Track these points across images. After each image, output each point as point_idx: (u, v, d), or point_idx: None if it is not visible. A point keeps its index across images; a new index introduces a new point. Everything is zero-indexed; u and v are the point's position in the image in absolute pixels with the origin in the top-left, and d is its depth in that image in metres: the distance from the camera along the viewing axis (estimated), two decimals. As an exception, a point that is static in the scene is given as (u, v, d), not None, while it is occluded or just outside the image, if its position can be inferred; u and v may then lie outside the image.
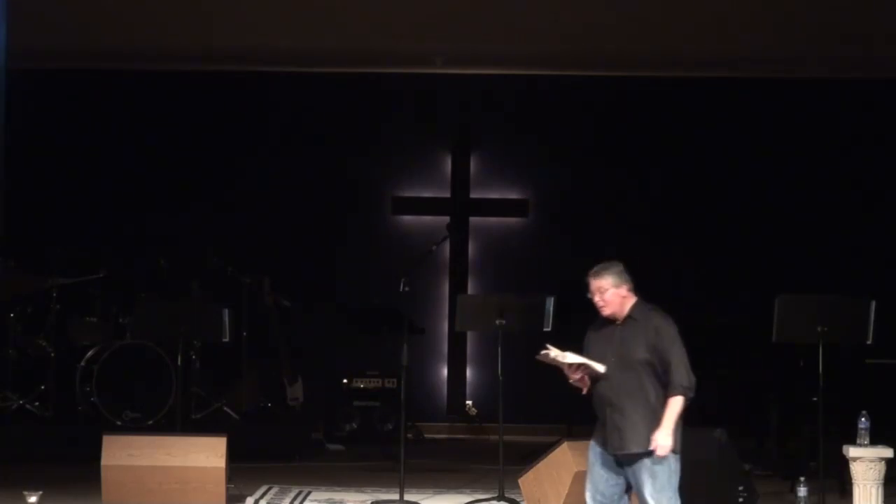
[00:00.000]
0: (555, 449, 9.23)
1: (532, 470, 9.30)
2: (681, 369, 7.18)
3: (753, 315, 10.38)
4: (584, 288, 7.29)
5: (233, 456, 9.40)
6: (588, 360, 7.16)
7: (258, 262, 12.97)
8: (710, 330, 11.17)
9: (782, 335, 9.40)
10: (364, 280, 13.58)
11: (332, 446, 12.68)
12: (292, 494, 9.80)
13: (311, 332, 13.36)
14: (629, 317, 7.26)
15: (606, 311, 7.26)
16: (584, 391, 7.26)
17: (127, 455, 9.27)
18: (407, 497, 9.43)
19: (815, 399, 9.45)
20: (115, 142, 13.84)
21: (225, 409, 12.25)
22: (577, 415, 12.66)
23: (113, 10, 12.65)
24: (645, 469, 7.13)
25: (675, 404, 7.13)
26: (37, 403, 12.08)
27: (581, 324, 12.75)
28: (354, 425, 12.99)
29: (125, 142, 13.85)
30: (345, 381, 13.09)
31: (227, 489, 9.34)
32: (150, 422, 11.75)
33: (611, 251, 13.53)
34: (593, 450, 7.29)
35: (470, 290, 13.73)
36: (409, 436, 12.08)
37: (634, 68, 13.68)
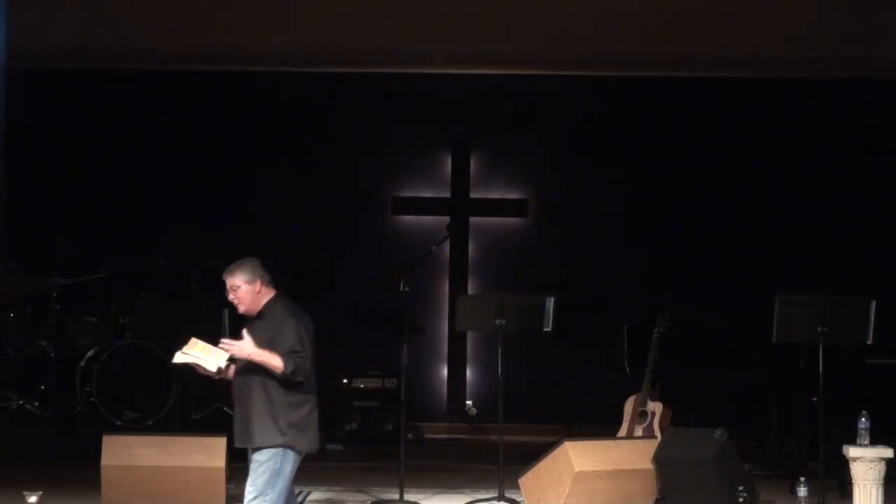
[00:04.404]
0: (555, 449, 9.24)
1: (532, 470, 9.31)
2: (296, 353, 7.26)
3: (753, 315, 10.38)
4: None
5: (233, 456, 9.38)
6: (197, 360, 7.29)
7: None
8: (710, 330, 11.18)
9: (782, 335, 9.41)
10: (364, 280, 13.57)
11: (332, 446, 12.68)
12: (292, 494, 9.80)
13: (310, 331, 13.34)
14: (261, 312, 7.44)
15: (241, 309, 7.48)
16: (218, 378, 7.50)
17: (127, 455, 9.26)
18: (407, 497, 9.44)
19: (815, 399, 9.47)
20: (115, 142, 13.83)
21: (225, 409, 12.23)
22: (577, 415, 12.79)
23: (113, 10, 12.66)
24: (253, 459, 7.35)
25: (277, 358, 7.22)
26: (37, 403, 12.09)
27: (581, 324, 12.80)
28: (354, 425, 12.99)
29: (125, 142, 13.84)
30: (345, 381, 13.09)
31: (227, 489, 9.33)
32: (150, 422, 11.76)
33: (611, 251, 13.74)
34: None
35: (470, 290, 13.73)
36: (410, 436, 12.08)
37: (634, 68, 13.68)
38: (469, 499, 9.58)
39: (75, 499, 9.41)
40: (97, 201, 13.72)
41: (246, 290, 7.41)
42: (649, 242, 13.70)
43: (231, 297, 7.46)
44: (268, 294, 7.47)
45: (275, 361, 7.22)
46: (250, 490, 7.30)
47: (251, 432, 7.32)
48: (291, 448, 7.30)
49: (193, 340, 7.46)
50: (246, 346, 7.23)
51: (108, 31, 12.93)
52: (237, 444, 7.50)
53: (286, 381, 7.26)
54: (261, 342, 7.30)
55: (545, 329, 9.76)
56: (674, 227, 13.73)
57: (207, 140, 13.88)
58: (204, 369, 7.38)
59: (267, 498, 7.28)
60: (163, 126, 13.86)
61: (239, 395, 7.40)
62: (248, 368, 7.35)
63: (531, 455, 9.52)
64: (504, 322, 9.72)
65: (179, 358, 7.42)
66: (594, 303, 12.97)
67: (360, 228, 14.02)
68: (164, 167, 13.82)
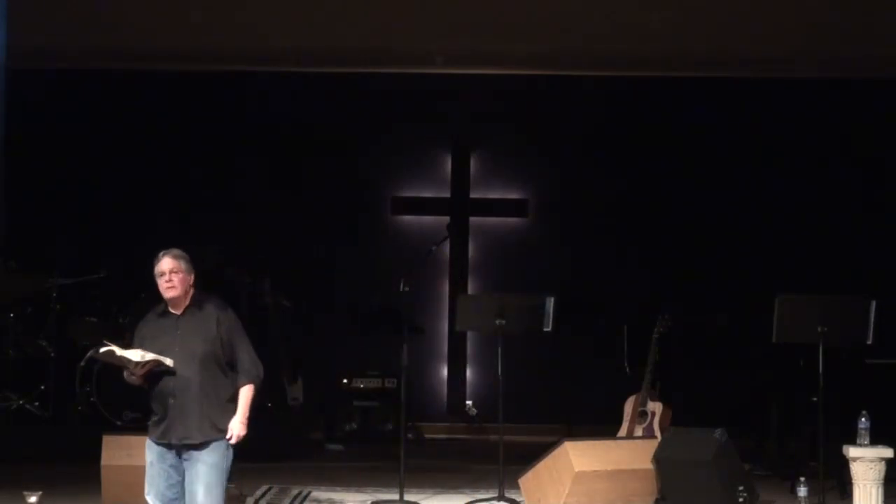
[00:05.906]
0: (555, 449, 9.24)
1: (532, 470, 9.31)
2: (247, 357, 7.31)
3: (753, 315, 10.38)
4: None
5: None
6: (157, 355, 7.20)
7: (258, 262, 12.97)
8: (710, 330, 11.18)
9: (782, 335, 9.40)
10: (364, 280, 13.58)
11: (332, 446, 12.68)
12: (292, 494, 9.81)
13: (311, 332, 13.37)
14: (189, 306, 7.42)
15: (172, 293, 7.42)
16: (140, 384, 7.28)
17: (127, 455, 9.23)
18: (407, 497, 9.43)
19: (815, 399, 9.46)
20: (115, 141, 13.83)
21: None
22: (577, 415, 12.79)
23: (113, 10, 12.66)
24: (201, 461, 7.24)
25: (248, 392, 7.27)
26: (37, 403, 12.08)
27: (581, 324, 12.79)
28: (354, 425, 12.99)
29: (125, 141, 13.84)
30: (345, 381, 13.09)
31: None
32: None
33: (611, 251, 13.74)
34: (151, 448, 7.33)
35: (470, 290, 13.73)
36: (410, 436, 12.09)
37: (635, 68, 13.68)
38: (469, 499, 9.58)
39: (75, 499, 9.41)
40: (97, 201, 13.72)
41: (184, 277, 7.44)
42: (649, 242, 13.70)
43: (168, 277, 7.41)
44: (192, 290, 7.49)
45: (253, 393, 7.31)
46: (208, 490, 7.23)
47: (202, 427, 7.21)
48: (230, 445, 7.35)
49: (107, 343, 7.33)
50: (241, 427, 7.26)
51: (107, 31, 12.92)
52: (175, 440, 7.20)
53: (224, 378, 7.25)
54: (199, 338, 7.26)
55: (545, 329, 9.76)
56: (674, 227, 13.73)
57: (207, 140, 13.88)
58: (163, 365, 7.31)
59: (221, 496, 7.31)
60: (163, 126, 13.85)
61: (179, 391, 7.19)
62: (184, 364, 7.26)
63: (531, 455, 9.52)
64: (504, 322, 9.72)
65: (137, 355, 7.26)
66: (594, 303, 12.97)
67: (360, 228, 14.02)
68: (164, 167, 13.82)
